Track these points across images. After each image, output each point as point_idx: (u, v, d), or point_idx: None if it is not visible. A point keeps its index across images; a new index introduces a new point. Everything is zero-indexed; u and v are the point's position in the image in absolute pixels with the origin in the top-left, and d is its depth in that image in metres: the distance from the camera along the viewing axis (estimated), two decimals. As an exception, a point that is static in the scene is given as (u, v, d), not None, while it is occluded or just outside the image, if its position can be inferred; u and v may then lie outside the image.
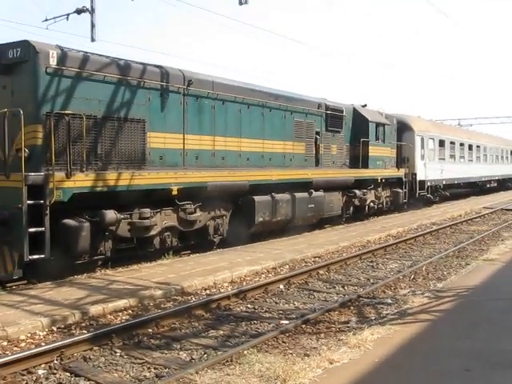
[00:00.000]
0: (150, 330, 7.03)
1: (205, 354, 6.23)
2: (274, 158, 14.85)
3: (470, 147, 32.63)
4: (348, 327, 7.16)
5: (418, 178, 23.84)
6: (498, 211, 24.63)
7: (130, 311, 7.87)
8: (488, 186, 37.01)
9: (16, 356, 5.77)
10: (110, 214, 9.95)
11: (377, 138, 19.93)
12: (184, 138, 12.00)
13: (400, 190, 21.96)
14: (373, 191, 19.93)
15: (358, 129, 19.06)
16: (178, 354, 6.28)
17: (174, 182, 11.27)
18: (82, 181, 9.55)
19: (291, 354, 6.12)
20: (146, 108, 11.14)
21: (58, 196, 9.11)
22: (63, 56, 9.68)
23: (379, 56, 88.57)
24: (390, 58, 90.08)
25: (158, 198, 11.15)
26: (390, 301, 8.63)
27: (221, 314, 7.95)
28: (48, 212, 8.97)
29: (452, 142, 29.10)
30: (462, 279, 9.72)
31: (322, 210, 16.41)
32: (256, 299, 8.87)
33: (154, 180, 10.89)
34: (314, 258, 12.36)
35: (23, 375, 5.62)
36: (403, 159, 23.10)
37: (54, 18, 16.57)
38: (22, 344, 6.45)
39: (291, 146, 15.63)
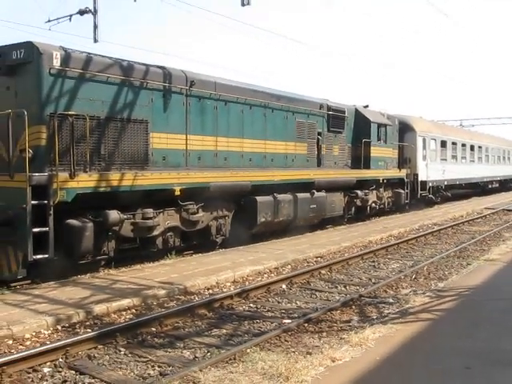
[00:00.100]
0: (154, 329, 7.09)
1: (208, 352, 6.29)
2: (276, 159, 14.90)
3: (472, 148, 32.64)
4: (350, 326, 7.22)
5: (420, 179, 23.87)
6: (500, 212, 24.64)
7: (134, 310, 7.93)
8: (490, 186, 37.00)
9: (22, 354, 5.84)
10: (114, 215, 10.02)
11: (379, 139, 19.96)
12: (186, 139, 12.06)
13: (402, 191, 22.00)
14: (375, 192, 19.97)
15: (359, 129, 19.10)
16: (182, 352, 6.35)
17: (176, 182, 11.33)
18: (86, 181, 9.61)
19: (294, 352, 6.18)
20: (149, 109, 11.20)
21: (62, 196, 9.16)
22: (67, 57, 9.74)
23: (379, 56, 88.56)
24: (390, 58, 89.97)
25: (160, 199, 11.21)
26: (391, 300, 8.69)
27: (224, 313, 8.01)
28: (52, 212, 9.03)
29: (454, 143, 29.12)
30: (463, 279, 9.76)
31: (324, 210, 16.46)
32: (258, 299, 8.93)
33: (157, 180, 10.95)
34: (316, 258, 12.41)
35: (29, 373, 5.69)
36: (405, 160, 23.13)
37: (57, 18, 16.64)
38: (27, 342, 6.52)
39: (293, 146, 15.68)
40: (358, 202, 18.78)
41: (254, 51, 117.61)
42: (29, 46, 9.41)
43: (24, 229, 8.75)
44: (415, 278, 10.48)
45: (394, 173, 21.45)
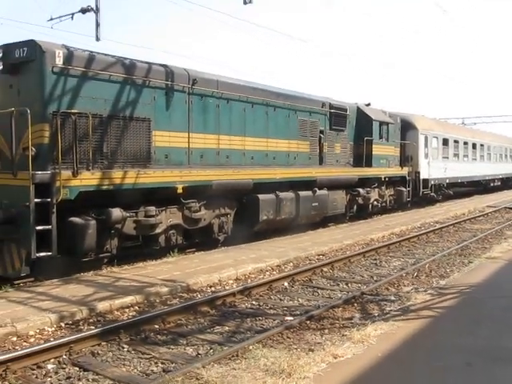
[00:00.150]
0: (157, 326, 7.14)
1: (211, 349, 6.33)
2: (278, 157, 14.92)
3: (474, 146, 32.61)
4: (352, 323, 7.26)
5: (422, 177, 23.88)
6: (502, 210, 24.64)
7: (137, 307, 7.98)
8: (492, 184, 36.97)
9: (26, 351, 5.88)
10: (116, 212, 10.06)
11: (380, 137, 19.98)
12: (189, 137, 12.09)
13: (403, 189, 22.01)
14: (376, 190, 19.99)
15: (361, 128, 19.10)
16: (185, 349, 6.39)
17: (179, 180, 11.37)
18: (89, 179, 9.66)
19: (296, 348, 6.22)
20: (152, 107, 11.23)
21: (65, 194, 9.21)
22: (69, 55, 9.77)
23: (379, 56, 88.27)
24: (390, 58, 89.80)
25: (163, 197, 11.24)
26: (393, 298, 8.72)
27: (226, 310, 8.05)
28: (55, 210, 9.07)
29: (456, 141, 29.10)
30: (464, 277, 9.79)
31: (326, 208, 16.48)
32: (261, 296, 8.97)
33: (160, 178, 10.98)
34: (318, 255, 12.44)
35: (33, 370, 5.75)
36: (407, 158, 23.14)
37: (59, 17, 16.66)
38: (31, 339, 6.57)
39: (295, 144, 15.70)
40: (360, 200, 18.81)
41: (253, 51, 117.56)
42: (31, 45, 9.45)
43: (27, 227, 8.79)
44: (417, 275, 10.51)
45: (395, 171, 21.46)
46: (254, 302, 8.59)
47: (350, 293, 9.12)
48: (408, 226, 17.65)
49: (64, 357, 6.05)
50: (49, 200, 9.01)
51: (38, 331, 6.79)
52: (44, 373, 5.68)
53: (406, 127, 23.25)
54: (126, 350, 6.35)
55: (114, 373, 5.64)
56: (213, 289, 9.27)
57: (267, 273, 10.62)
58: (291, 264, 11.45)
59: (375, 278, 10.37)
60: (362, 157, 18.90)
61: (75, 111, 9.62)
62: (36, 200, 8.84)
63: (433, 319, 7.01)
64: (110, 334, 6.63)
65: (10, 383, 5.32)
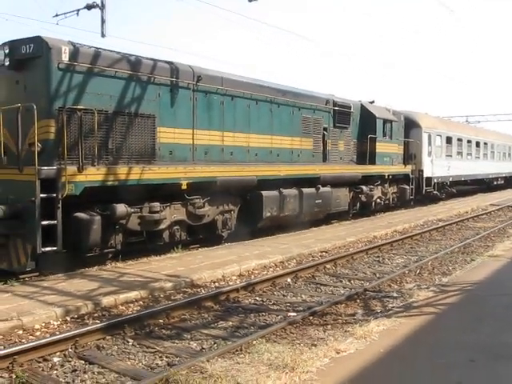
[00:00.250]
0: (161, 321, 7.20)
1: (215, 343, 6.39)
2: (281, 154, 14.97)
3: (478, 144, 32.58)
4: (354, 319, 7.31)
5: (425, 175, 23.89)
6: (505, 208, 24.62)
7: (141, 302, 8.04)
8: (495, 183, 36.91)
9: (32, 344, 5.95)
10: (121, 208, 10.12)
11: (384, 135, 19.99)
12: (193, 134, 12.14)
13: (407, 187, 22.04)
14: (380, 187, 20.02)
15: (365, 125, 19.12)
16: (189, 343, 6.45)
17: (183, 176, 11.42)
18: (94, 175, 9.72)
19: (299, 344, 6.28)
20: (156, 103, 11.29)
21: (70, 190, 9.27)
22: (75, 52, 9.83)
23: (379, 56, 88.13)
24: (390, 57, 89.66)
25: (167, 193, 11.31)
26: (395, 294, 8.77)
27: (230, 305, 8.11)
28: (60, 205, 9.14)
29: (459, 139, 29.08)
30: (467, 274, 9.82)
31: (329, 205, 16.53)
32: (264, 292, 9.02)
33: (164, 175, 11.04)
34: (321, 252, 12.49)
35: (39, 362, 5.81)
36: (410, 156, 23.14)
37: (65, 13, 16.71)
38: (37, 333, 6.64)
39: (299, 141, 15.74)
40: (363, 198, 18.84)
41: (253, 51, 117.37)
42: (38, 41, 9.51)
43: (33, 222, 8.86)
44: (419, 272, 10.55)
45: (399, 168, 21.48)
46: (257, 298, 8.65)
47: (352, 289, 9.17)
48: (411, 223, 17.69)
49: (70, 350, 6.11)
50: (54, 195, 9.08)
51: (43, 325, 6.86)
52: (50, 365, 5.75)
53: (410, 125, 23.25)
54: (130, 343, 6.41)
55: (119, 366, 5.71)
56: (216, 284, 9.34)
57: (270, 269, 10.68)
58: (294, 260, 11.50)
59: (378, 275, 10.42)
60: (366, 154, 18.93)
61: (81, 107, 9.67)
62: (42, 195, 8.91)
63: (435, 316, 7.05)
64: (115, 328, 6.70)
65: (17, 376, 5.38)
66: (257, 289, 9.03)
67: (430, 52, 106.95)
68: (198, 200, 11.99)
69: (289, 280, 9.81)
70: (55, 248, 9.06)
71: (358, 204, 18.90)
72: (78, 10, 16.50)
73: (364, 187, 18.51)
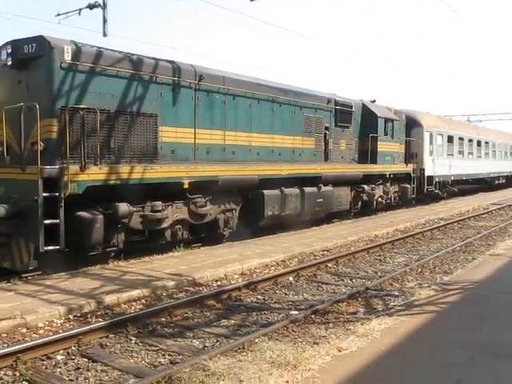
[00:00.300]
0: (164, 319, 7.23)
1: (217, 342, 6.42)
2: (283, 153, 14.98)
3: (479, 143, 32.57)
4: (356, 317, 7.34)
5: (427, 174, 23.90)
6: (506, 207, 24.62)
7: (144, 301, 8.08)
8: (496, 182, 36.88)
9: (36, 342, 6.00)
10: (123, 207, 10.15)
11: (385, 134, 20.00)
12: (195, 133, 12.16)
13: (408, 186, 22.05)
14: (381, 186, 20.03)
15: (366, 124, 19.14)
16: (191, 341, 6.49)
17: (185, 175, 11.45)
18: (96, 174, 9.75)
19: (301, 342, 6.32)
20: (158, 103, 11.31)
21: (73, 189, 9.30)
22: (77, 51, 9.85)
23: (379, 56, 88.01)
24: (390, 57, 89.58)
25: (169, 192, 11.33)
26: (397, 293, 8.80)
27: (232, 304, 8.14)
28: (63, 204, 9.18)
29: (461, 138, 29.08)
30: (468, 273, 9.84)
31: (331, 204, 16.55)
32: (266, 290, 9.06)
33: (166, 174, 11.07)
34: (323, 251, 12.52)
35: (43, 360, 5.85)
36: (412, 155, 23.14)
37: (67, 12, 16.72)
38: (41, 331, 6.68)
39: (301, 140, 15.76)
40: (365, 197, 18.85)
41: (253, 51, 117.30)
42: (40, 41, 9.53)
43: (35, 221, 8.89)
44: (421, 271, 10.58)
45: (400, 168, 21.49)
46: (259, 297, 8.68)
47: (354, 288, 9.20)
48: (412, 222, 17.71)
49: (73, 348, 6.15)
50: (57, 194, 9.12)
51: (47, 323, 6.91)
52: (53, 363, 5.79)
53: (411, 124, 23.26)
54: (133, 342, 6.45)
55: (122, 364, 5.74)
56: (218, 283, 9.37)
57: (272, 268, 10.71)
58: (296, 259, 11.54)
59: (379, 274, 10.44)
60: (367, 153, 18.93)
61: (83, 106, 9.69)
62: (44, 194, 8.94)
63: (436, 314, 7.08)
64: (118, 327, 6.74)
65: (20, 373, 5.42)
66: (259, 287, 9.06)
67: (431, 52, 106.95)
68: (199, 199, 12.01)
69: (290, 279, 9.84)
70: (58, 247, 9.10)
71: (360, 203, 18.92)
72: (80, 10, 16.53)
73: (365, 186, 18.52)
